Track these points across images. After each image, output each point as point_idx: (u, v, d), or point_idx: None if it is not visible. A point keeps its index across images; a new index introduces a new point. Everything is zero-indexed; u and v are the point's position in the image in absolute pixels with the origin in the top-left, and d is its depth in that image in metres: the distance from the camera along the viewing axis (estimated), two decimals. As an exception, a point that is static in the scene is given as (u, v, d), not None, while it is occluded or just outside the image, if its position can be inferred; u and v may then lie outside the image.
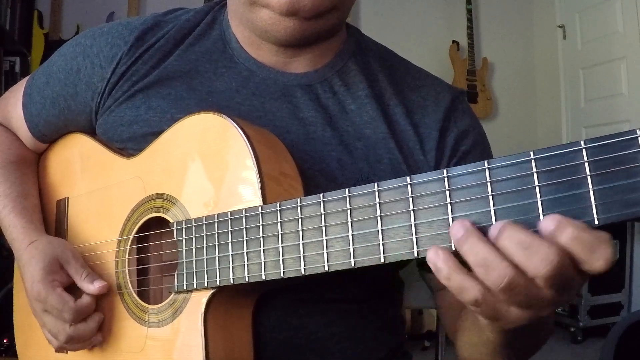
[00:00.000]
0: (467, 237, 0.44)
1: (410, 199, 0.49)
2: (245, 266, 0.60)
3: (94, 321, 0.74)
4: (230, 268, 0.61)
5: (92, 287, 0.72)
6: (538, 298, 0.44)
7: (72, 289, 0.74)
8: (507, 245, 0.42)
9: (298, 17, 0.68)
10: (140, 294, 0.73)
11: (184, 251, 0.66)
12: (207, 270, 0.63)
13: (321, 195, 0.55)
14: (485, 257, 0.43)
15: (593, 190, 0.41)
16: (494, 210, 0.45)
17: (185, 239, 0.66)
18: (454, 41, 3.81)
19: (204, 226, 0.64)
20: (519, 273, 0.42)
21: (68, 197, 0.86)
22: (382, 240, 0.50)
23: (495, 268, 0.43)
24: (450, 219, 0.47)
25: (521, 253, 0.42)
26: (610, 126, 3.45)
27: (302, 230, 0.56)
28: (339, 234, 0.53)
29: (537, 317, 0.47)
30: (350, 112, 0.77)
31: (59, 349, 0.76)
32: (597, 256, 0.41)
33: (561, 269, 0.41)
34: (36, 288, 0.73)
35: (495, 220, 0.45)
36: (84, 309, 0.72)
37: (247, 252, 0.60)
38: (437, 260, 0.45)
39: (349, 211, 0.52)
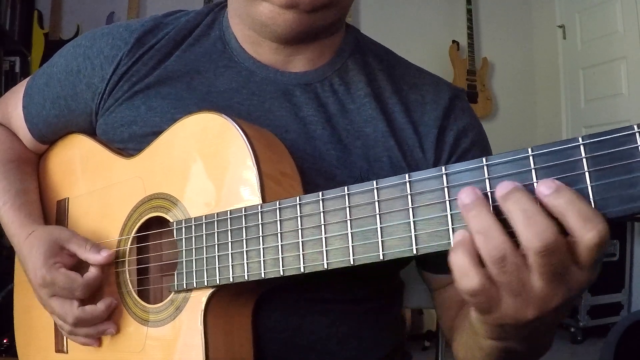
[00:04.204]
0: (474, 205, 0.44)
1: (409, 197, 0.49)
2: (245, 265, 0.60)
3: (103, 303, 0.73)
4: (230, 267, 0.61)
5: (99, 256, 0.72)
6: (528, 284, 0.44)
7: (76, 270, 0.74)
8: (511, 210, 0.43)
9: (298, 9, 0.69)
10: (140, 294, 0.73)
11: (184, 250, 0.66)
12: (206, 269, 0.63)
13: (320, 193, 0.55)
14: (487, 227, 0.44)
15: (591, 186, 0.41)
16: (493, 207, 0.45)
17: (185, 238, 0.66)
18: (454, 41, 3.81)
19: (204, 225, 0.64)
20: (514, 250, 0.44)
21: (68, 198, 0.86)
22: (381, 237, 0.50)
23: (494, 238, 0.44)
24: (449, 216, 0.47)
25: (522, 221, 0.42)
26: (610, 126, 3.38)
27: (301, 229, 0.56)
28: (338, 232, 0.53)
29: (528, 319, 0.47)
30: (349, 111, 0.77)
31: (71, 334, 0.75)
32: (590, 226, 0.41)
33: (554, 247, 0.42)
34: (39, 274, 0.73)
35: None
36: (92, 282, 0.72)
37: (246, 251, 0.60)
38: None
39: (347, 209, 0.52)
